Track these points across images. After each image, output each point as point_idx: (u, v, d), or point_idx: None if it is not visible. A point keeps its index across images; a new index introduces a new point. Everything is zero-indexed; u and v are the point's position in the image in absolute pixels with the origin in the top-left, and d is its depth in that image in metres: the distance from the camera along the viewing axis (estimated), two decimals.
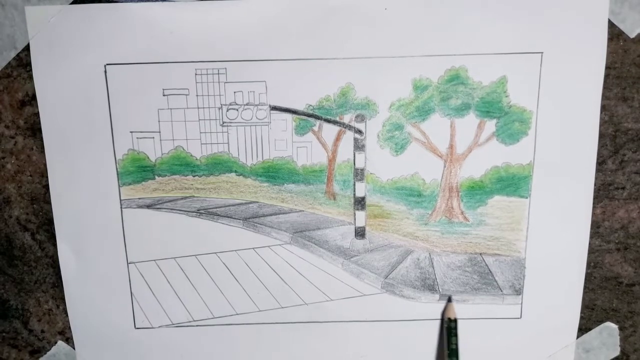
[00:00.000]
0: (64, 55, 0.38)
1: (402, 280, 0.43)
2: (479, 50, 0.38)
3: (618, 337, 0.44)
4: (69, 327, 0.44)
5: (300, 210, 0.42)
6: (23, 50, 0.39)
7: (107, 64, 0.39)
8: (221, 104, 0.40)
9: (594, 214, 0.41)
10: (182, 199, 0.42)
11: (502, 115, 0.40)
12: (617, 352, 0.44)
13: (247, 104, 0.40)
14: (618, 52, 0.38)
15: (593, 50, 0.38)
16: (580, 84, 0.39)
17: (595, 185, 0.41)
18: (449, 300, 0.42)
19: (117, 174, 0.41)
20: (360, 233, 0.42)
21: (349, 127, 0.40)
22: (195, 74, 0.39)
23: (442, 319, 0.43)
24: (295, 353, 0.44)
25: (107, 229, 0.42)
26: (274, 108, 0.40)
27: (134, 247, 0.42)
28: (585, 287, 0.43)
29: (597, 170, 0.40)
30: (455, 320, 0.42)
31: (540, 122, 0.40)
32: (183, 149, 0.41)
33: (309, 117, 0.40)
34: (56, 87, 0.39)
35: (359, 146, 0.41)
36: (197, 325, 0.44)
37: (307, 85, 0.39)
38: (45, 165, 0.41)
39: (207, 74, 0.39)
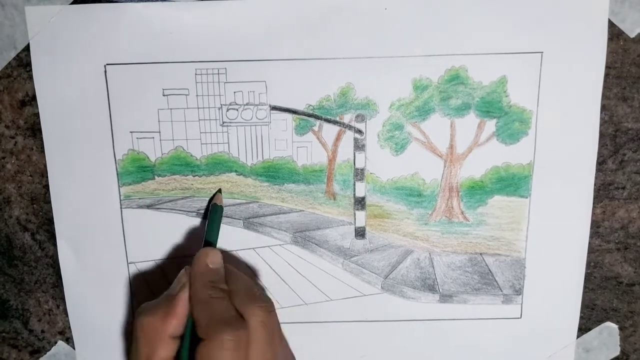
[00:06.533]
0: (64, 55, 0.38)
1: (402, 281, 0.43)
2: (479, 50, 0.38)
3: (618, 337, 0.44)
4: (69, 327, 0.44)
5: (301, 210, 0.42)
6: (23, 50, 0.39)
7: (107, 64, 0.39)
8: (221, 104, 0.40)
9: (594, 213, 0.41)
10: (182, 199, 0.42)
11: (502, 115, 0.40)
12: (617, 352, 0.44)
13: (247, 104, 0.40)
14: (618, 52, 0.38)
15: (593, 50, 0.38)
16: (580, 84, 0.39)
17: (595, 185, 0.41)
18: None
19: (117, 174, 0.41)
20: (360, 233, 0.42)
21: (349, 127, 0.40)
22: (195, 74, 0.39)
23: None
24: (295, 353, 0.44)
25: (107, 228, 0.42)
26: (274, 108, 0.40)
27: (134, 247, 0.42)
28: (585, 287, 0.43)
29: (597, 170, 0.40)
30: None
31: (540, 122, 0.40)
32: (183, 149, 0.41)
33: (309, 117, 0.40)
34: (56, 87, 0.39)
35: (359, 146, 0.41)
36: None
37: (307, 85, 0.39)
38: (45, 165, 0.41)
39: (207, 74, 0.39)
